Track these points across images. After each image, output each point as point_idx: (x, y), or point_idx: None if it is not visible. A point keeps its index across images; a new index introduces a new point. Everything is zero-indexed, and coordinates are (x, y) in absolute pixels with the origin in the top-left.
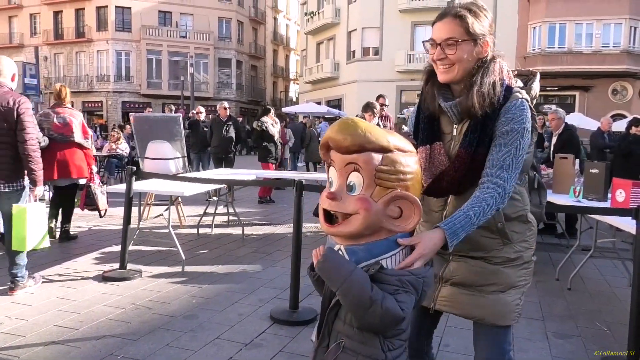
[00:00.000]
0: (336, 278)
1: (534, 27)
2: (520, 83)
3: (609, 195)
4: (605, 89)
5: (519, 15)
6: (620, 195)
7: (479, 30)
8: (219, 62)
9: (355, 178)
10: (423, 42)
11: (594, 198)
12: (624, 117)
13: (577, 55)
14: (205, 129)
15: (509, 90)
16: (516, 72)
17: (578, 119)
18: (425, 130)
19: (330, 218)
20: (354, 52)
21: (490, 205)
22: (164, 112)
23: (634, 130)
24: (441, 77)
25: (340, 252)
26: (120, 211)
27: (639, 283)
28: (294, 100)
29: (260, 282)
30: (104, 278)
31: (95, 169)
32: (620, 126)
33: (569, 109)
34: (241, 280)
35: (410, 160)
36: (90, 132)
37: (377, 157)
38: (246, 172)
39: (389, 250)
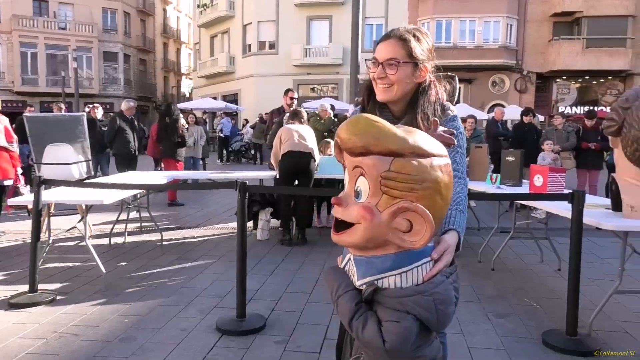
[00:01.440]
0: (331, 297)
1: (423, 23)
2: (445, 96)
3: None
4: (486, 81)
5: (409, 12)
6: (538, 180)
7: (420, 55)
8: (104, 56)
9: (361, 183)
10: (365, 60)
11: (511, 184)
12: (503, 106)
13: (461, 49)
14: (103, 129)
15: (442, 107)
16: (441, 74)
17: (464, 109)
18: None
19: (342, 224)
20: (249, 45)
21: (465, 196)
22: (42, 111)
23: (526, 119)
24: (380, 96)
25: (350, 262)
26: (9, 226)
27: (575, 264)
28: (187, 95)
29: (194, 292)
30: (11, 305)
31: (20, 170)
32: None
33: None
34: (172, 291)
35: (426, 167)
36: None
37: (385, 161)
38: (159, 174)
39: (397, 267)
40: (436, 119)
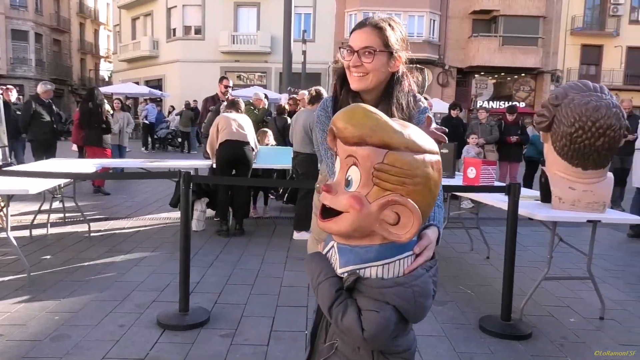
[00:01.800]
0: (311, 284)
1: (351, 15)
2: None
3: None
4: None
5: (337, 2)
6: (471, 173)
7: (395, 44)
8: (12, 34)
9: (353, 173)
10: (340, 48)
11: (445, 175)
12: (426, 99)
13: None
14: (18, 113)
15: (414, 98)
16: (412, 66)
17: None
18: None
19: (328, 211)
20: (174, 30)
21: (441, 190)
22: None
23: (454, 113)
24: (354, 85)
25: (333, 249)
26: None
27: (510, 253)
28: (107, 79)
29: (130, 286)
30: None
31: None
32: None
33: None
34: (106, 286)
35: (419, 162)
36: None
37: (379, 153)
38: (88, 162)
39: (381, 258)
40: (430, 115)
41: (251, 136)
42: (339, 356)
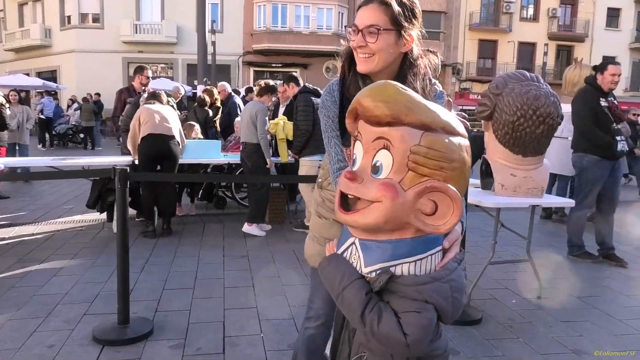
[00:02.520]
0: (331, 290)
1: (259, 6)
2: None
3: None
4: (320, 67)
5: None
6: None
7: (404, 21)
8: None
9: (383, 158)
10: (345, 26)
11: None
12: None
13: (297, 34)
14: None
15: (430, 81)
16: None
17: None
18: None
19: (347, 203)
20: (69, 17)
21: None
22: None
23: None
24: (360, 67)
25: (354, 246)
26: None
27: None
28: None
29: (53, 299)
30: None
31: None
32: None
33: None
34: (24, 301)
35: (456, 146)
36: None
37: (415, 134)
38: None
39: (414, 254)
40: (449, 99)
41: (177, 129)
42: None
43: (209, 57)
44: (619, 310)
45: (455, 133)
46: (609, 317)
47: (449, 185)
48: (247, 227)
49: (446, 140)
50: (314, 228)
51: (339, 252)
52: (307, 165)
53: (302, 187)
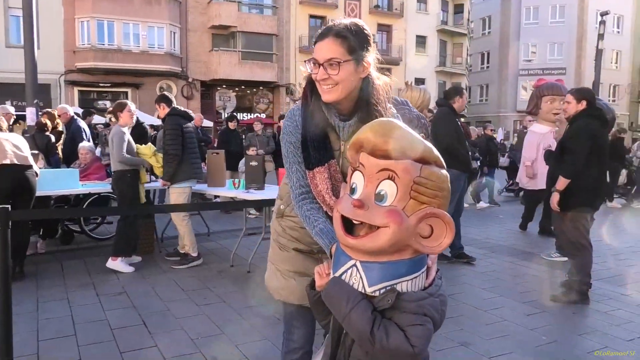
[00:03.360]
0: (337, 312)
1: (82, 22)
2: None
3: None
4: (154, 87)
5: (64, 8)
6: None
7: (360, 49)
8: None
9: (387, 187)
10: (305, 61)
11: (256, 187)
12: (432, 112)
13: (127, 53)
14: None
15: (387, 101)
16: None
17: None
18: (320, 149)
19: (347, 227)
20: None
21: None
22: None
23: (231, 125)
24: (325, 97)
25: (355, 268)
26: None
27: None
28: None
29: None
30: None
31: None
32: None
33: None
34: None
35: (445, 177)
36: None
37: (416, 167)
38: None
39: (411, 272)
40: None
41: (30, 158)
42: None
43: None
44: (481, 302)
45: (442, 166)
46: (475, 309)
47: (444, 211)
48: (111, 263)
49: (439, 172)
50: (276, 261)
51: (337, 274)
52: (176, 192)
53: (174, 214)
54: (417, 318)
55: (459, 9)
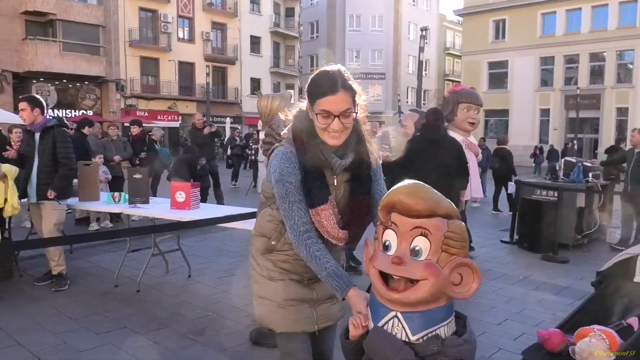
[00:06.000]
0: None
1: None
2: None
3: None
4: None
5: None
6: (180, 197)
7: (357, 95)
8: None
9: (422, 243)
10: (316, 114)
11: (140, 201)
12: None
13: None
14: None
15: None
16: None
17: None
18: (322, 188)
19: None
20: None
21: None
22: None
23: (87, 130)
24: (333, 142)
25: (396, 319)
26: None
27: None
28: None
29: None
30: None
31: None
32: None
33: None
34: None
35: (464, 228)
36: None
37: (444, 222)
38: None
39: (446, 318)
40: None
41: None
42: None
43: None
44: None
45: (459, 217)
46: None
47: (470, 260)
48: None
49: (461, 224)
50: (269, 294)
51: (380, 325)
52: (56, 208)
53: (47, 232)
54: None
55: (290, 12)
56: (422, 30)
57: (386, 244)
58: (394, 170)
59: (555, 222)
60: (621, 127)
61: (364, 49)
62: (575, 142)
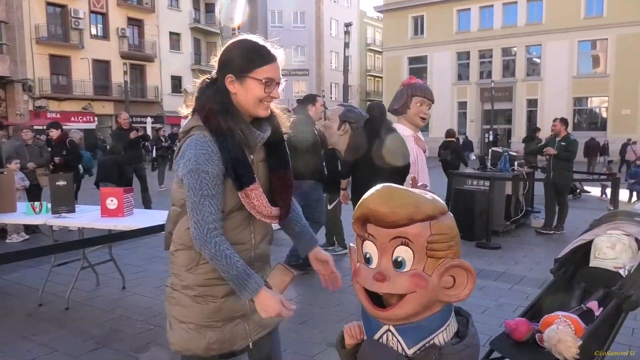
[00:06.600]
0: None
1: None
2: None
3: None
4: None
5: None
6: (112, 204)
7: None
8: None
9: (403, 253)
10: (257, 83)
11: (65, 210)
12: None
13: None
14: None
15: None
16: None
17: None
18: (247, 166)
19: (374, 299)
20: None
21: None
22: None
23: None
24: (264, 113)
25: (390, 333)
26: None
27: None
28: None
29: None
30: None
31: None
32: None
33: None
34: None
35: (452, 221)
36: None
37: (426, 226)
38: None
39: (442, 323)
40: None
41: None
42: None
43: None
44: (331, 309)
45: (445, 210)
46: (323, 310)
47: (462, 260)
48: None
49: (446, 221)
50: (194, 317)
51: (375, 338)
52: None
53: None
54: None
55: (210, 8)
56: (346, 26)
57: (367, 256)
58: (352, 168)
59: (488, 210)
60: (532, 117)
61: (287, 45)
62: (498, 133)
